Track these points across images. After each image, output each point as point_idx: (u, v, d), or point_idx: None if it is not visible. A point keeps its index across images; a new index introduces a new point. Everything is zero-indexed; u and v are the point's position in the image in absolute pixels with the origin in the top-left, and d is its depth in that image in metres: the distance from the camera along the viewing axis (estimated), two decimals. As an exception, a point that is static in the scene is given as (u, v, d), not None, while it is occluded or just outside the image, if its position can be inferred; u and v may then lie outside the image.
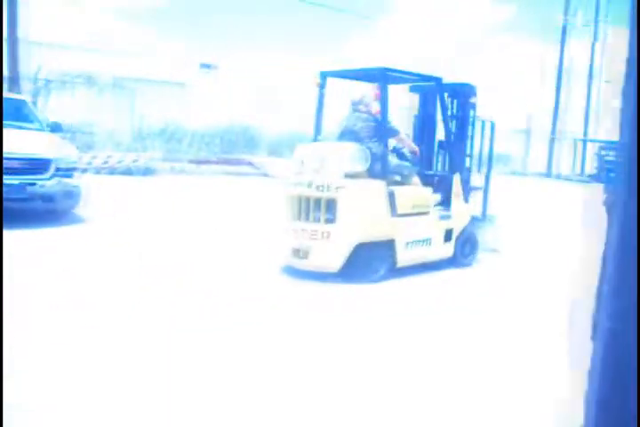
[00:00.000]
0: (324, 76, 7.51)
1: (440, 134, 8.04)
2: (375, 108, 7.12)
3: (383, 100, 6.88)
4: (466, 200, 7.77)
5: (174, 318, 4.95)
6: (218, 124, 28.66)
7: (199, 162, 23.28)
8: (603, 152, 37.55)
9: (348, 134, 7.10)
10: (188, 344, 4.33)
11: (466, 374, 4.02)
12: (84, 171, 18.99)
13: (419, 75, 7.38)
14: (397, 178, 7.09)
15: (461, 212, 7.66)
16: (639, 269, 0.91)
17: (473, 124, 7.98)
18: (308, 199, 6.60)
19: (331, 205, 6.43)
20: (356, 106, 7.27)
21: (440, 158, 8.10)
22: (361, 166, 6.65)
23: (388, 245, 6.74)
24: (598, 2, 37.13)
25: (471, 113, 7.90)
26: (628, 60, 0.96)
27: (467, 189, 7.80)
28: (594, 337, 0.99)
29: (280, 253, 6.97)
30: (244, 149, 28.30)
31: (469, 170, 8.02)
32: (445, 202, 7.55)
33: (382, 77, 6.91)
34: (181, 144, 26.88)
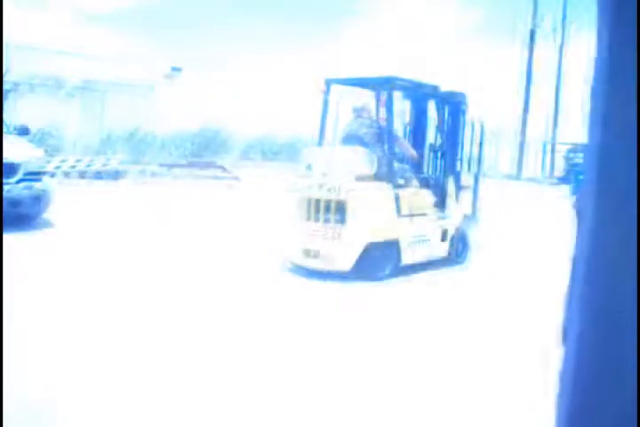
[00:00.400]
0: (328, 83, 7.76)
1: (431, 139, 8.39)
2: (381, 114, 7.47)
3: (389, 107, 7.25)
4: (457, 200, 8.08)
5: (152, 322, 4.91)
6: (188, 127, 28.55)
7: (170, 166, 23.14)
8: (571, 154, 38.07)
9: (352, 139, 7.38)
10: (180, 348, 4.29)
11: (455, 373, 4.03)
12: (53, 175, 18.79)
13: (420, 83, 7.74)
14: (400, 181, 7.35)
15: (455, 213, 8.01)
16: (609, 273, 0.91)
17: (463, 130, 8.30)
18: (318, 201, 6.86)
19: (341, 207, 6.71)
20: (358, 112, 7.63)
21: (432, 162, 8.38)
22: (369, 170, 7.00)
23: (394, 245, 7.03)
24: (565, 6, 37.61)
25: (461, 119, 8.24)
26: (595, 62, 0.96)
27: (458, 189, 8.11)
28: (563, 341, 0.99)
29: (288, 252, 7.22)
30: (215, 153, 28.19)
31: (459, 172, 8.32)
32: (440, 203, 7.84)
33: (389, 85, 7.27)
34: (152, 148, 26.72)
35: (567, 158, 37.94)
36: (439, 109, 7.95)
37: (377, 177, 7.05)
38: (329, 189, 6.79)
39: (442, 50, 58.07)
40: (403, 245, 7.10)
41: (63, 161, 20.53)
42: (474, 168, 8.75)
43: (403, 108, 8.43)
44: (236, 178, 22.03)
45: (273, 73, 34.10)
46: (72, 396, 3.47)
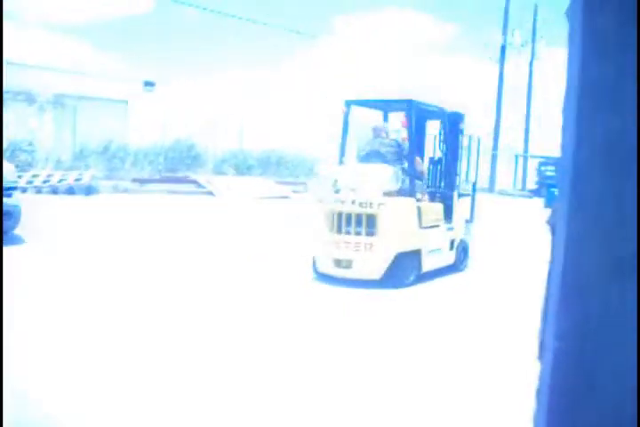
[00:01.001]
0: (348, 104, 8.31)
1: (430, 154, 9.16)
2: (402, 134, 8.16)
3: (410, 127, 7.85)
4: (456, 211, 8.71)
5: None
6: (161, 142, 28.41)
7: (143, 181, 23.01)
8: (542, 167, 38.49)
9: (374, 156, 7.94)
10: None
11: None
12: (25, 190, 18.59)
13: (431, 105, 8.34)
14: (418, 195, 7.94)
15: (460, 224, 8.70)
16: (584, 288, 0.91)
17: (461, 146, 8.94)
18: (350, 215, 7.37)
19: (372, 220, 7.26)
20: (377, 132, 8.22)
21: (438, 176, 8.99)
22: (394, 186, 7.63)
23: (417, 254, 7.63)
24: (535, 22, 38.16)
25: (460, 137, 8.84)
26: (567, 77, 0.96)
27: (457, 201, 8.71)
28: (540, 356, 0.99)
29: (318, 262, 7.66)
30: (189, 168, 28.08)
31: (459, 185, 8.92)
32: (448, 215, 8.46)
33: (409, 108, 7.82)
34: (124, 162, 26.55)
35: (539, 171, 38.37)
36: (444, 129, 8.56)
37: (400, 192, 7.65)
38: (361, 204, 7.31)
39: (415, 65, 58.49)
40: (423, 254, 7.70)
41: (35, 176, 20.34)
42: (471, 178, 9.34)
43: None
44: (211, 193, 21.95)
45: (248, 87, 34.13)
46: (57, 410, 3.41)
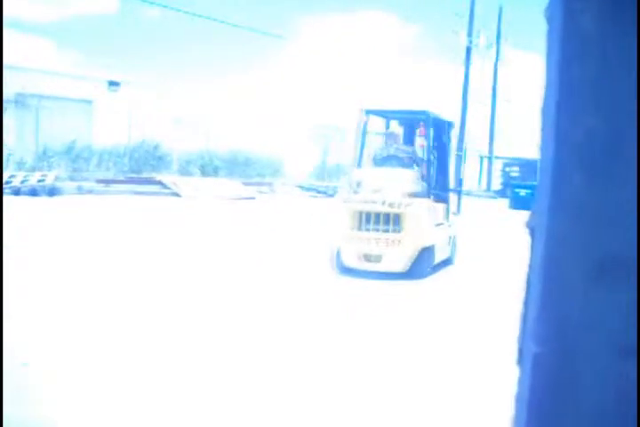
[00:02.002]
0: (367, 113, 9.24)
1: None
2: (420, 142, 9.08)
3: (427, 135, 8.85)
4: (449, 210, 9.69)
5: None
6: (126, 142, 28.14)
7: (107, 181, 22.76)
8: (507, 168, 38.92)
9: (392, 161, 8.81)
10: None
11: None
12: (-15, 191, 18.28)
13: (438, 116, 9.36)
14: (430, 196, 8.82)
15: (453, 222, 9.62)
16: (564, 292, 0.89)
17: (450, 151, 10.03)
18: (379, 214, 8.11)
19: (398, 219, 8.05)
20: (390, 139, 9.13)
21: (436, 178, 9.56)
22: (416, 188, 8.47)
23: (432, 249, 8.38)
24: (500, 25, 38.56)
25: (450, 142, 9.99)
26: (547, 78, 0.95)
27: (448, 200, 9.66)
28: (519, 362, 0.97)
29: (346, 258, 8.26)
30: (154, 169, 27.85)
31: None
32: (447, 214, 9.40)
33: (426, 118, 8.86)
34: (89, 163, 26.24)
35: (504, 172, 38.79)
36: (440, 135, 9.43)
37: (417, 194, 8.44)
38: (390, 205, 8.08)
39: (380, 66, 58.76)
40: (436, 249, 8.51)
41: (-4, 177, 20.01)
42: (458, 177, 10.61)
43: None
44: (177, 194, 21.80)
45: (214, 87, 33.94)
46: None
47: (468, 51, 37.07)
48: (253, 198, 22.57)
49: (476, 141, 38.17)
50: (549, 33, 0.93)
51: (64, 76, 27.70)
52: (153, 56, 57.67)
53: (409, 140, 9.49)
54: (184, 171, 28.38)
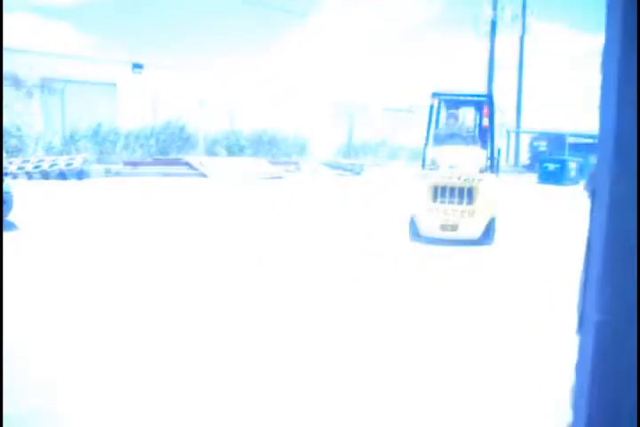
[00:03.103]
0: (437, 96, 10.36)
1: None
2: (485, 122, 10.11)
3: (491, 116, 10.05)
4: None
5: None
6: (152, 124, 28.19)
7: (135, 164, 22.85)
8: (535, 143, 38.44)
9: (457, 138, 9.96)
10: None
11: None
12: (15, 176, 18.46)
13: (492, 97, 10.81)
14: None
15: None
16: (630, 256, 0.85)
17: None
18: (454, 188, 9.01)
19: (473, 192, 8.98)
20: (455, 118, 10.30)
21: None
22: (485, 164, 9.66)
23: (494, 219, 9.25)
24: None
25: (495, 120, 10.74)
26: (604, 54, 0.90)
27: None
28: (579, 330, 0.93)
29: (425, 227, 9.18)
30: (180, 150, 27.91)
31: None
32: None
33: (490, 101, 10.22)
34: (115, 146, 26.36)
35: (532, 147, 38.32)
36: (494, 116, 10.28)
37: (484, 169, 9.55)
38: (466, 180, 9.00)
39: (404, 42, 58.16)
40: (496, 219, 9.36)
41: (25, 161, 20.17)
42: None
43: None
44: (203, 174, 21.85)
45: (238, 67, 33.85)
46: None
47: (494, 24, 36.51)
48: (281, 177, 22.55)
49: (504, 116, 37.73)
50: (608, 20, 0.89)
51: (88, 60, 27.76)
52: (176, 37, 57.54)
53: (469, 120, 10.82)
54: (210, 151, 28.41)
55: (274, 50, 56.06)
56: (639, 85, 0.86)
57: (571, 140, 33.60)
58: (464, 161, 9.38)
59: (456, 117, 10.22)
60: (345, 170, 27.15)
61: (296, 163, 27.42)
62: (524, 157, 38.33)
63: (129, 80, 29.19)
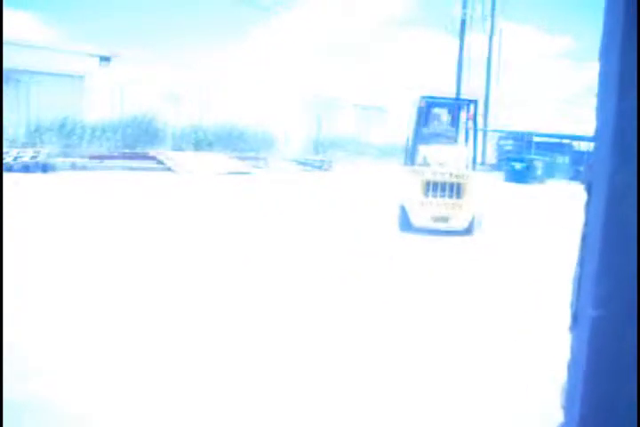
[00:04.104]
0: (426, 99, 11.34)
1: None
2: (470, 125, 11.38)
3: (475, 119, 11.38)
4: None
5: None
6: (119, 118, 27.83)
7: (101, 157, 22.55)
8: (501, 142, 38.76)
9: (442, 138, 11.15)
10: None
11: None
12: (-22, 168, 18.08)
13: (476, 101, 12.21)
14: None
15: None
16: (626, 250, 0.82)
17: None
18: (445, 183, 10.02)
19: (461, 188, 10.04)
20: (437, 119, 11.56)
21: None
22: (468, 162, 10.66)
23: (480, 212, 10.40)
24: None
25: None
26: (603, 41, 0.87)
27: None
28: (573, 327, 0.90)
29: (417, 219, 10.09)
30: (148, 144, 27.59)
31: None
32: None
33: (475, 105, 11.51)
34: (82, 139, 25.97)
35: (498, 146, 38.63)
36: (475, 117, 11.47)
37: (468, 167, 10.57)
38: (456, 176, 10.07)
39: (375, 39, 58.19)
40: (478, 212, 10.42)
41: (-11, 154, 19.79)
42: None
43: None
44: (170, 169, 21.64)
45: (206, 62, 33.60)
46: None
47: (463, 23, 36.69)
48: (249, 173, 22.42)
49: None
50: (607, 11, 0.85)
51: (55, 52, 27.29)
52: (144, 30, 56.89)
53: (451, 121, 11.93)
54: (178, 146, 28.15)
55: (244, 44, 55.84)
56: (639, 73, 0.82)
57: (537, 139, 33.92)
58: (453, 159, 10.33)
59: (440, 119, 11.47)
60: (313, 166, 27.13)
61: (264, 159, 27.31)
62: (491, 156, 38.62)
63: (97, 73, 28.79)
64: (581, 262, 0.88)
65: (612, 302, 0.82)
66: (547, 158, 29.37)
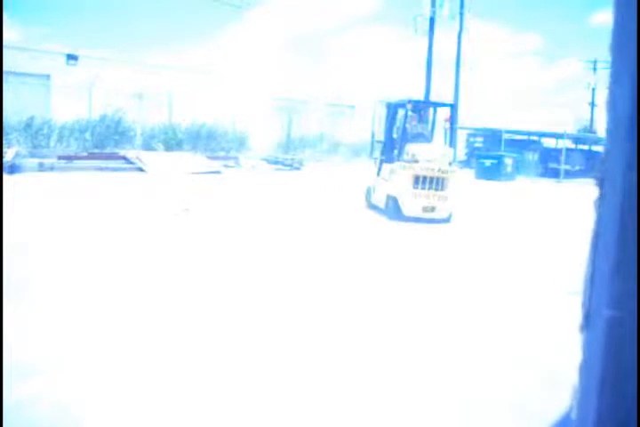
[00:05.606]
0: (410, 102, 12.31)
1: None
2: (446, 125, 14.13)
3: (452, 120, 14.39)
4: None
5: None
6: (87, 117, 27.49)
7: (69, 158, 22.23)
8: (471, 139, 39.04)
9: (420, 137, 12.25)
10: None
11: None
12: (-57, 170, 17.73)
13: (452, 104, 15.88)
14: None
15: None
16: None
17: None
18: (432, 177, 11.42)
19: (445, 181, 11.48)
20: (412, 120, 12.34)
21: None
22: (450, 159, 11.97)
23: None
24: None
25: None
26: (614, 29, 0.85)
27: None
28: (586, 327, 0.87)
29: (408, 209, 11.47)
30: (117, 144, 27.30)
31: None
32: None
33: (453, 108, 14.09)
34: (49, 139, 25.61)
35: (468, 142, 38.90)
36: (453, 118, 13.66)
37: (450, 163, 11.89)
38: (443, 171, 11.47)
39: (342, 36, 58.23)
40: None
41: (-46, 155, 19.41)
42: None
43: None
44: (141, 169, 21.42)
45: (175, 60, 33.35)
46: None
47: (432, 21, 36.78)
48: (219, 172, 22.30)
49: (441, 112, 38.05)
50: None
51: (20, 50, 26.90)
52: (112, 28, 56.39)
53: (424, 121, 13.30)
54: (148, 146, 27.88)
55: (213, 43, 55.52)
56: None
57: (506, 136, 34.22)
58: (438, 156, 11.61)
59: (412, 119, 12.32)
60: (284, 165, 27.09)
61: (235, 158, 27.19)
62: (461, 153, 38.87)
63: (63, 72, 28.43)
64: (593, 260, 0.85)
65: (627, 302, 0.80)
66: (516, 155, 29.60)
